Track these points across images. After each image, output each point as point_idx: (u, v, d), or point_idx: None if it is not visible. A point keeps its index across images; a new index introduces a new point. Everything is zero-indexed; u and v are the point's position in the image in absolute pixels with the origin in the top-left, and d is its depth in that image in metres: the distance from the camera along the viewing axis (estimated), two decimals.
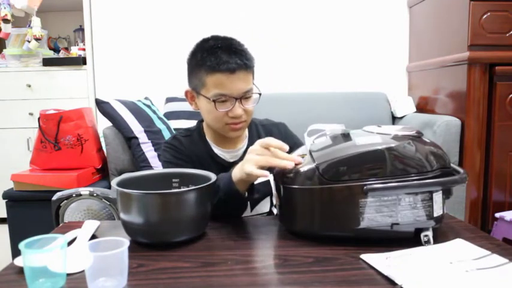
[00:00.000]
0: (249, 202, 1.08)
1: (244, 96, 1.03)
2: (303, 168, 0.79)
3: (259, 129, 1.18)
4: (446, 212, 0.97)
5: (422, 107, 2.40)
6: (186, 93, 1.12)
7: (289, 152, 0.87)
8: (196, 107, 1.11)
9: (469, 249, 0.74)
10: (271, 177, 0.87)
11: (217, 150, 1.14)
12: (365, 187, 0.74)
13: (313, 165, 0.78)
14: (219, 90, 1.00)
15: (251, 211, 1.12)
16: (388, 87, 2.61)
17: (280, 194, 0.84)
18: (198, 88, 1.05)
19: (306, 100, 2.44)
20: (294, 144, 1.08)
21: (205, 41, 1.06)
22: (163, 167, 1.12)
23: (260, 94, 1.07)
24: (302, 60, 2.65)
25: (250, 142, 1.11)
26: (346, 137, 0.82)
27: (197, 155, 1.11)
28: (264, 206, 1.13)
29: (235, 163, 1.04)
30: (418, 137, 0.81)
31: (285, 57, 2.65)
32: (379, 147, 0.76)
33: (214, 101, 1.01)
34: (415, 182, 0.76)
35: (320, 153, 0.80)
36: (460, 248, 0.74)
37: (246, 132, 1.16)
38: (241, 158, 1.06)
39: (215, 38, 1.05)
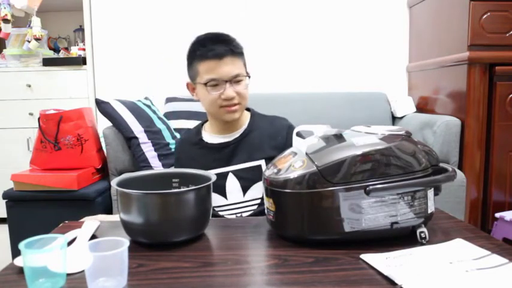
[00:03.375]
0: (241, 188, 1.16)
1: (234, 80, 1.13)
2: (301, 172, 0.77)
3: (262, 120, 1.25)
4: (446, 212, 0.98)
5: (422, 107, 2.40)
6: (187, 85, 1.24)
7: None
8: (196, 96, 1.21)
9: (469, 249, 0.74)
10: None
11: (208, 137, 1.21)
12: (367, 187, 0.74)
13: (314, 168, 0.77)
14: (210, 75, 1.12)
15: (244, 196, 1.16)
16: (388, 87, 2.61)
17: (277, 200, 0.81)
18: (194, 78, 1.17)
19: (306, 100, 2.44)
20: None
21: (198, 37, 1.19)
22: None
23: (249, 77, 1.17)
24: (302, 60, 2.65)
25: (249, 130, 1.20)
26: (340, 138, 0.82)
27: (188, 150, 1.23)
28: (256, 192, 1.16)
29: (223, 145, 1.18)
30: (408, 137, 0.82)
31: (285, 57, 2.65)
32: (380, 147, 0.77)
33: (206, 84, 1.12)
34: (417, 180, 0.76)
35: (318, 155, 0.79)
36: (460, 248, 0.74)
37: (246, 122, 1.23)
38: (232, 142, 1.18)
39: (207, 33, 1.18)
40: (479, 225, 1.97)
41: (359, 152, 0.76)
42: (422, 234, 0.77)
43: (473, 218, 1.96)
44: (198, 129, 1.26)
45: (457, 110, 2.02)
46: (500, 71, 1.92)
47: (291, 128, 1.23)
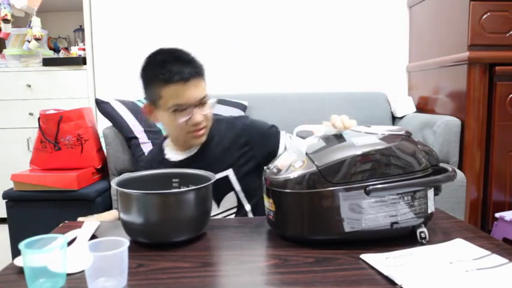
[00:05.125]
0: (214, 201, 1.10)
1: (200, 103, 1.07)
2: (301, 172, 0.77)
3: (221, 124, 1.19)
4: (446, 212, 0.98)
5: (422, 107, 2.40)
6: (144, 107, 1.16)
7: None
8: (155, 119, 1.14)
9: (469, 249, 0.74)
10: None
11: (171, 154, 1.17)
12: (367, 187, 0.74)
13: (314, 168, 0.76)
14: (176, 101, 1.04)
15: (218, 208, 1.14)
16: (388, 87, 2.61)
17: (277, 200, 0.81)
18: (155, 101, 1.09)
19: (306, 100, 2.43)
20: (262, 131, 1.19)
21: (153, 56, 1.10)
22: None
23: (215, 99, 1.12)
24: (302, 60, 2.65)
25: (210, 139, 1.15)
26: (340, 138, 0.82)
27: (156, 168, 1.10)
28: (229, 203, 1.14)
29: (185, 162, 1.11)
30: (408, 137, 0.82)
31: (285, 57, 2.65)
32: (380, 147, 0.77)
33: (173, 111, 1.05)
34: (417, 180, 0.76)
35: (318, 155, 0.79)
36: (460, 248, 0.74)
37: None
38: (193, 157, 1.13)
39: (163, 52, 1.09)
40: (479, 225, 1.97)
41: (359, 152, 0.76)
42: (422, 234, 0.77)
43: (473, 218, 1.96)
44: (160, 147, 1.20)
45: (457, 110, 2.02)
46: (500, 71, 1.91)
47: (251, 124, 1.20)
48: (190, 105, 1.05)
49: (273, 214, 0.82)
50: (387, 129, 0.83)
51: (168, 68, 1.04)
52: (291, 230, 0.81)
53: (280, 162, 0.85)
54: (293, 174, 0.78)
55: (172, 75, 1.03)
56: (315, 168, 0.76)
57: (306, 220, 0.78)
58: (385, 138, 0.79)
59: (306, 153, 0.80)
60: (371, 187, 0.74)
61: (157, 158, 1.19)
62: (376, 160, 0.76)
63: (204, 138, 1.13)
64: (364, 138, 0.80)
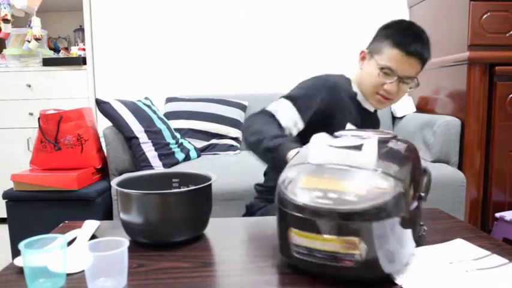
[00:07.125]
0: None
1: (404, 80, 1.14)
2: (392, 193, 0.61)
3: None
4: (446, 212, 0.98)
5: (422, 107, 2.40)
6: (362, 52, 1.25)
7: None
8: (362, 66, 1.23)
9: (469, 249, 0.74)
10: None
11: (360, 97, 1.24)
12: None
13: (401, 188, 0.63)
14: (390, 63, 1.12)
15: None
16: None
17: (365, 236, 0.59)
18: (374, 52, 1.18)
19: None
20: None
21: (402, 21, 1.18)
22: (293, 90, 1.25)
23: (418, 84, 1.18)
24: (302, 60, 2.65)
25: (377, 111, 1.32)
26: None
27: (341, 98, 1.18)
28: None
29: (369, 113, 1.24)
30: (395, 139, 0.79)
31: (285, 57, 2.65)
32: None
33: (381, 69, 1.13)
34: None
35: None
36: (460, 248, 0.74)
37: None
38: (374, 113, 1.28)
39: (412, 24, 1.16)
40: (479, 225, 1.97)
41: None
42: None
43: (473, 218, 1.97)
44: (350, 83, 1.26)
45: (457, 110, 2.02)
46: (500, 71, 1.92)
47: None
48: (396, 75, 1.12)
49: (358, 257, 0.60)
50: (374, 132, 0.81)
51: (409, 36, 1.10)
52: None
53: (349, 184, 0.62)
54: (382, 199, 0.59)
55: (403, 43, 1.09)
56: (401, 187, 0.61)
57: None
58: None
59: (375, 169, 0.63)
60: None
61: (346, 90, 1.22)
62: None
63: (382, 107, 1.22)
64: (349, 141, 0.72)
